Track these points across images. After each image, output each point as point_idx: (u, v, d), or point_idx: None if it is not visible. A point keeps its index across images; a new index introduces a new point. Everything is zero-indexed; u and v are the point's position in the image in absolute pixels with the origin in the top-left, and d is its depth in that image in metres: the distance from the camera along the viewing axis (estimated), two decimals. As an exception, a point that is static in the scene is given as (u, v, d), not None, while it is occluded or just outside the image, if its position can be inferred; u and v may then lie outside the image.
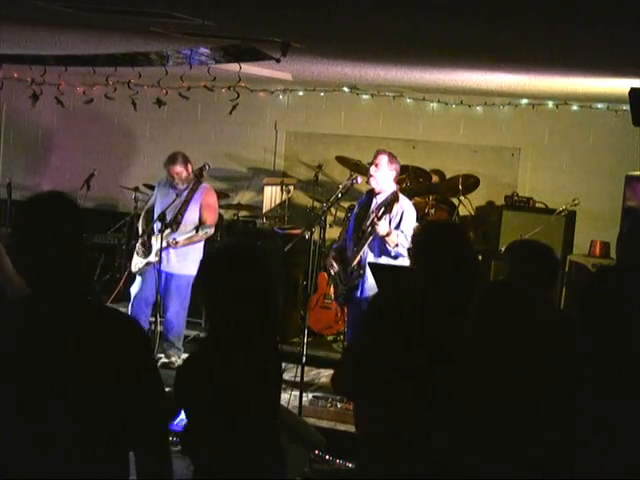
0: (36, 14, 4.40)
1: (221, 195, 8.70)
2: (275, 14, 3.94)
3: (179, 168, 6.72)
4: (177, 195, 6.73)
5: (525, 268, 3.61)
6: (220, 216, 8.53)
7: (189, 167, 6.79)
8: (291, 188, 8.64)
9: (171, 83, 6.93)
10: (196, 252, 6.72)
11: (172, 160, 6.76)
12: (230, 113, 6.28)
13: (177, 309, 6.89)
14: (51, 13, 4.19)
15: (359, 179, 6.38)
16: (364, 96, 8.88)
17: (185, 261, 6.71)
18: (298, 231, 7.47)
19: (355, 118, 9.01)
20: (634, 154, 7.76)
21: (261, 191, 8.78)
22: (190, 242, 6.73)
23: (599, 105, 8.18)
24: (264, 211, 8.57)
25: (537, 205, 8.11)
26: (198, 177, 6.87)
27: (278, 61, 5.14)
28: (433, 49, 5.01)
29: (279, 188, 8.54)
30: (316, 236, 7.43)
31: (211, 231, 6.86)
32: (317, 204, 8.35)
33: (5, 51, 6.60)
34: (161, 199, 6.89)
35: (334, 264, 6.27)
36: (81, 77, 8.78)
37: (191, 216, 6.77)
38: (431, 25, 3.97)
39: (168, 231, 6.69)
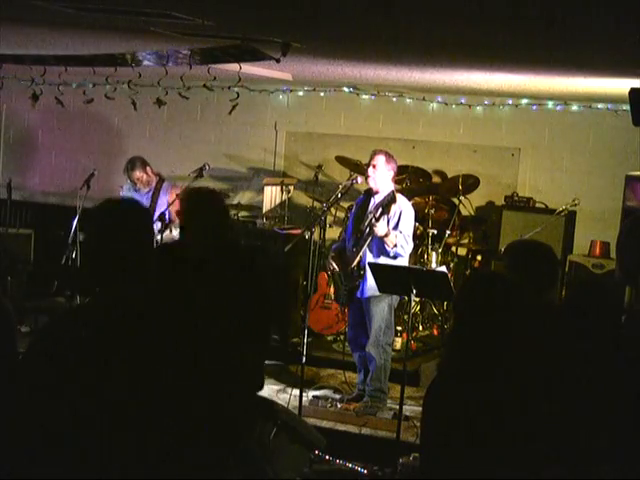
0: (36, 14, 4.40)
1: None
2: (275, 14, 3.94)
3: (138, 173, 6.73)
4: (152, 197, 6.73)
5: (524, 268, 3.63)
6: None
7: (148, 170, 6.79)
8: (291, 188, 8.64)
9: (171, 83, 6.92)
10: None
11: (130, 166, 6.78)
12: (230, 113, 6.27)
13: None
14: (51, 13, 4.19)
15: (359, 179, 6.38)
16: (364, 96, 8.88)
17: None
18: (298, 231, 7.47)
19: (355, 118, 9.00)
20: (634, 154, 7.76)
21: (261, 191, 8.78)
22: None
23: (599, 105, 8.18)
24: (264, 211, 8.57)
25: (537, 205, 8.12)
26: (160, 176, 6.86)
27: (278, 61, 5.14)
28: (433, 49, 5.01)
29: (279, 188, 8.54)
30: (316, 236, 7.43)
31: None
32: (317, 204, 8.35)
33: (5, 51, 6.60)
34: None
35: (333, 265, 6.27)
36: (81, 77, 8.78)
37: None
38: (431, 25, 3.97)
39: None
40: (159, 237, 6.66)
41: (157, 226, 6.71)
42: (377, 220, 5.81)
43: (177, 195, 6.78)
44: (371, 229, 5.85)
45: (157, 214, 6.75)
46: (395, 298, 6.12)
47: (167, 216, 6.69)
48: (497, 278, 2.93)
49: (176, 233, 6.72)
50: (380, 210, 5.86)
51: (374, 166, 6.06)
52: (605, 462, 2.61)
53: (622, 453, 2.62)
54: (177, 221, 6.83)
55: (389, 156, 6.11)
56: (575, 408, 2.67)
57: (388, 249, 5.90)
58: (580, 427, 2.64)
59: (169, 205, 6.74)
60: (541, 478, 2.63)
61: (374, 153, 6.13)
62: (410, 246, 6.00)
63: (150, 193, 6.79)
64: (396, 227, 5.93)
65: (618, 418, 2.64)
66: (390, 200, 5.86)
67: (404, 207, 6.01)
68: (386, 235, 5.84)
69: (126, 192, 7.01)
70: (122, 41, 5.52)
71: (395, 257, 5.93)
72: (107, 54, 6.03)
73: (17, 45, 6.27)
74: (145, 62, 5.86)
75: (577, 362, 2.76)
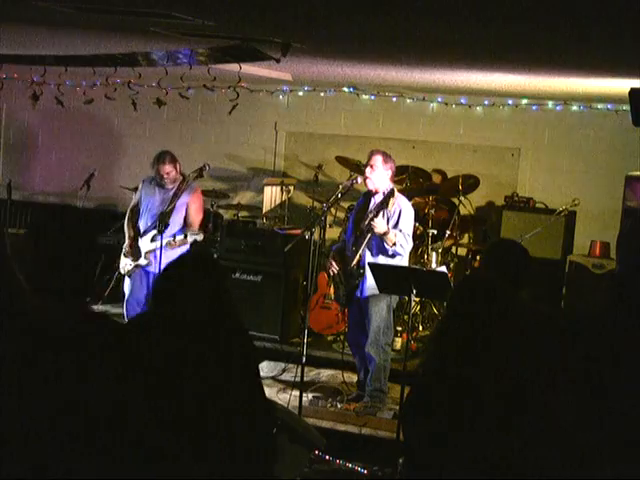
0: (36, 14, 4.40)
1: (221, 195, 8.71)
2: (275, 14, 3.94)
3: (169, 168, 6.66)
4: (174, 195, 6.71)
5: (497, 266, 3.67)
6: (220, 216, 8.55)
7: (177, 166, 6.74)
8: (291, 188, 8.63)
9: (171, 83, 6.93)
10: (182, 250, 6.72)
11: (161, 159, 6.67)
12: (230, 113, 6.28)
13: None
14: (51, 13, 4.19)
15: (359, 179, 6.37)
16: (364, 96, 8.88)
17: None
18: (298, 231, 7.46)
19: (355, 118, 9.01)
20: (634, 154, 7.76)
21: (261, 191, 8.78)
22: (182, 244, 6.68)
23: (599, 105, 8.18)
24: (264, 211, 8.57)
25: (537, 205, 8.12)
26: (184, 176, 6.84)
27: (278, 61, 5.14)
28: (433, 49, 5.01)
29: (279, 188, 8.53)
30: (316, 236, 7.42)
31: (200, 237, 6.78)
32: (317, 204, 8.35)
33: (5, 51, 6.60)
34: (147, 198, 6.84)
35: (334, 266, 6.27)
36: (81, 77, 8.78)
37: (178, 217, 6.74)
38: (431, 25, 3.97)
39: (155, 232, 6.69)
40: (145, 239, 6.73)
41: (151, 225, 6.76)
42: (375, 216, 5.82)
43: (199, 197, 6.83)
44: (371, 227, 5.86)
45: (175, 215, 6.73)
46: (394, 298, 6.11)
47: (182, 215, 6.75)
48: (483, 282, 2.93)
49: (191, 239, 6.70)
50: (378, 206, 5.88)
51: (372, 166, 6.05)
52: (601, 459, 2.61)
53: (619, 446, 2.62)
54: (195, 226, 6.84)
55: (387, 156, 6.10)
56: (563, 406, 2.67)
57: (387, 247, 5.89)
58: (567, 423, 2.65)
59: (187, 209, 6.75)
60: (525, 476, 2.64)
61: (371, 153, 6.12)
62: (410, 245, 6.00)
63: (172, 192, 6.72)
64: (396, 226, 5.93)
65: (613, 417, 2.64)
66: (389, 195, 5.87)
67: (404, 206, 6.00)
68: (385, 233, 5.84)
69: (145, 186, 6.95)
70: (122, 41, 5.52)
71: (394, 256, 5.92)
72: (107, 54, 6.03)
73: (17, 45, 6.27)
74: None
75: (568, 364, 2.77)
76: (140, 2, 3.76)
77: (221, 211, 8.71)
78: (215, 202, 8.48)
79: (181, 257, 3.28)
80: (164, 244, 6.56)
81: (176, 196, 6.67)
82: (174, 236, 6.58)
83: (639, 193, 7.20)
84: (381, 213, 5.85)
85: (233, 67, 5.59)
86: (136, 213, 6.94)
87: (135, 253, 6.78)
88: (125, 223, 7.03)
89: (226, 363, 2.97)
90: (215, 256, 7.71)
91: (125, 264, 6.86)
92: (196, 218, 6.81)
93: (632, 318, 2.69)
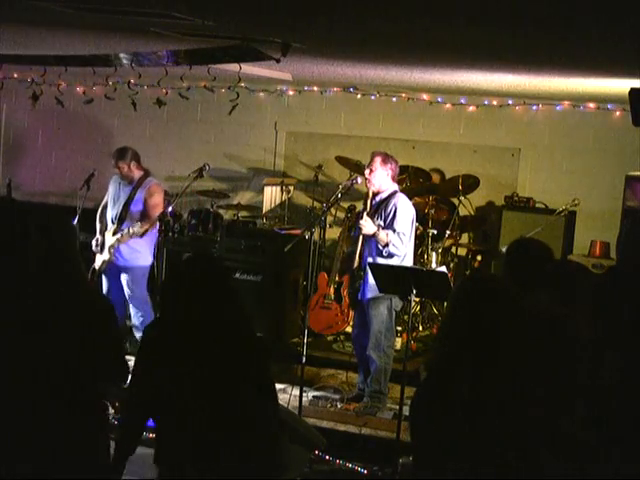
0: (36, 14, 4.40)
1: (221, 195, 8.71)
2: (275, 14, 3.94)
3: (120, 164, 6.81)
4: (131, 190, 6.85)
5: (509, 266, 3.66)
6: (220, 216, 8.55)
7: (132, 164, 6.83)
8: (291, 188, 8.64)
9: (171, 83, 6.93)
10: (146, 243, 6.83)
11: (118, 155, 6.85)
12: (230, 113, 6.28)
13: (139, 297, 6.99)
14: (51, 13, 4.19)
15: (359, 179, 6.36)
16: (364, 96, 8.88)
17: (136, 252, 6.82)
18: (298, 231, 7.47)
19: (355, 118, 9.00)
20: (634, 154, 7.76)
21: (261, 191, 8.78)
22: (133, 235, 6.74)
23: (599, 105, 8.18)
24: (264, 211, 8.57)
25: (537, 205, 8.12)
26: (147, 173, 6.92)
27: (278, 61, 5.14)
28: (433, 49, 5.01)
29: (279, 188, 8.54)
30: (316, 236, 7.43)
31: (137, 229, 6.80)
32: (317, 204, 8.35)
33: (5, 51, 6.60)
34: (112, 193, 7.01)
35: (344, 269, 6.33)
36: (81, 77, 8.78)
37: (135, 212, 6.83)
38: (431, 25, 3.97)
39: (114, 227, 6.82)
40: (108, 234, 6.81)
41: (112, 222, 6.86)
42: (360, 217, 5.86)
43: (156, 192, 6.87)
44: (360, 228, 5.91)
45: (134, 210, 6.81)
46: (396, 301, 6.09)
47: (139, 210, 6.80)
48: (485, 282, 2.92)
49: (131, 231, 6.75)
50: (362, 207, 5.92)
51: (371, 168, 6.05)
52: (603, 459, 2.62)
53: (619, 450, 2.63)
54: (150, 220, 6.87)
55: (387, 156, 6.10)
56: (566, 406, 2.68)
57: (380, 248, 5.89)
58: (571, 424, 2.65)
59: (144, 203, 6.81)
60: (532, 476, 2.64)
61: (372, 155, 6.13)
62: (405, 245, 5.96)
63: (130, 187, 6.84)
64: (391, 225, 5.91)
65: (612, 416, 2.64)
66: (366, 195, 5.95)
67: (400, 205, 5.97)
68: (374, 234, 5.84)
69: (113, 183, 7.06)
70: (122, 41, 5.52)
71: (390, 256, 5.88)
72: (106, 54, 6.03)
73: (17, 45, 6.27)
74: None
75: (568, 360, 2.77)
76: (140, 2, 3.76)
77: (221, 211, 8.70)
78: (215, 202, 8.48)
79: (187, 260, 3.30)
80: (116, 239, 6.75)
81: (132, 193, 6.80)
82: (123, 230, 6.71)
83: (639, 193, 7.21)
84: (365, 213, 5.90)
85: (233, 67, 5.59)
86: (106, 209, 7.08)
87: (101, 248, 6.91)
88: (97, 218, 7.14)
89: (237, 365, 3.00)
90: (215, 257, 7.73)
91: (97, 260, 6.98)
92: (151, 213, 6.83)
93: (629, 316, 2.70)
